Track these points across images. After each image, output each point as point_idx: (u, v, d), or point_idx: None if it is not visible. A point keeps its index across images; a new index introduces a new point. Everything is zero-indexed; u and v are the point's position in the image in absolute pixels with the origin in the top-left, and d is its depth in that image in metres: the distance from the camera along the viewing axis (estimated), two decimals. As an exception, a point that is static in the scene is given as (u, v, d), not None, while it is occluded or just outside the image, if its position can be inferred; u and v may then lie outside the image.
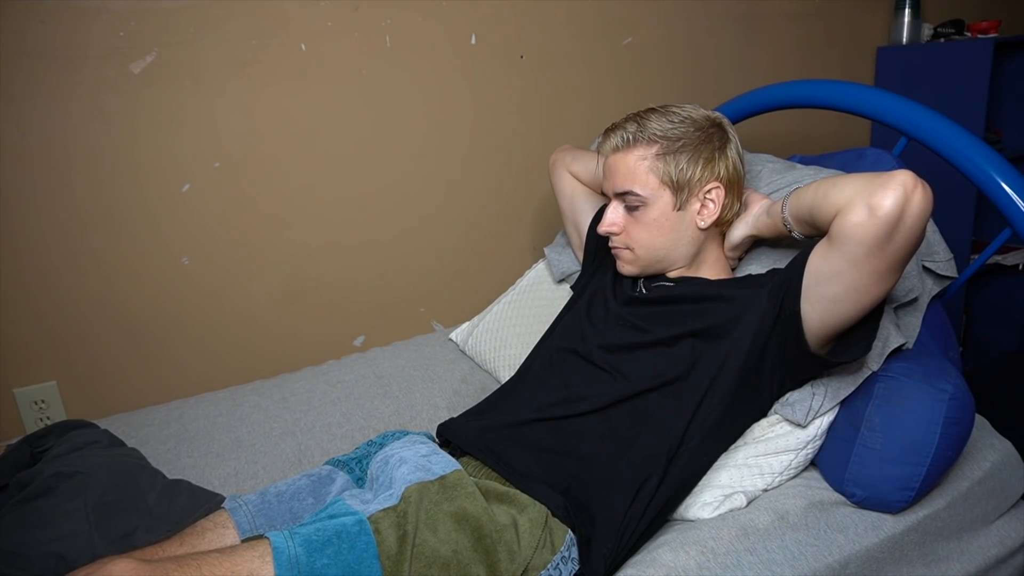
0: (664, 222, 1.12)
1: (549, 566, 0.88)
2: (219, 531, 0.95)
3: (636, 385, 1.03)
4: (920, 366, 1.07)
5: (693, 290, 1.12)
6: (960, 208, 2.08)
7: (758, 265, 1.19)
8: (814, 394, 1.06)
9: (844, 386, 1.08)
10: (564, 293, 1.49)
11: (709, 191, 1.12)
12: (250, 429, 1.35)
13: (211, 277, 1.63)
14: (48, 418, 1.54)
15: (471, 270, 1.89)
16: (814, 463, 1.14)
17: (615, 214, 1.15)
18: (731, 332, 1.02)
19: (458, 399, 1.44)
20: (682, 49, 1.99)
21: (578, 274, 1.43)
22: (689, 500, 1.05)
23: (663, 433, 1.00)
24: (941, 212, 1.29)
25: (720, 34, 2.04)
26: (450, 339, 1.64)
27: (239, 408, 1.41)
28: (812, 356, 0.99)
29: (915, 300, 1.19)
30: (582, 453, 1.01)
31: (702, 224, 1.13)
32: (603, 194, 1.19)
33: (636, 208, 1.12)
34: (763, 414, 1.10)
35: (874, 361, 1.08)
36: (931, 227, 1.25)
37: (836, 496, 1.07)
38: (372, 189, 1.73)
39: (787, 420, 1.08)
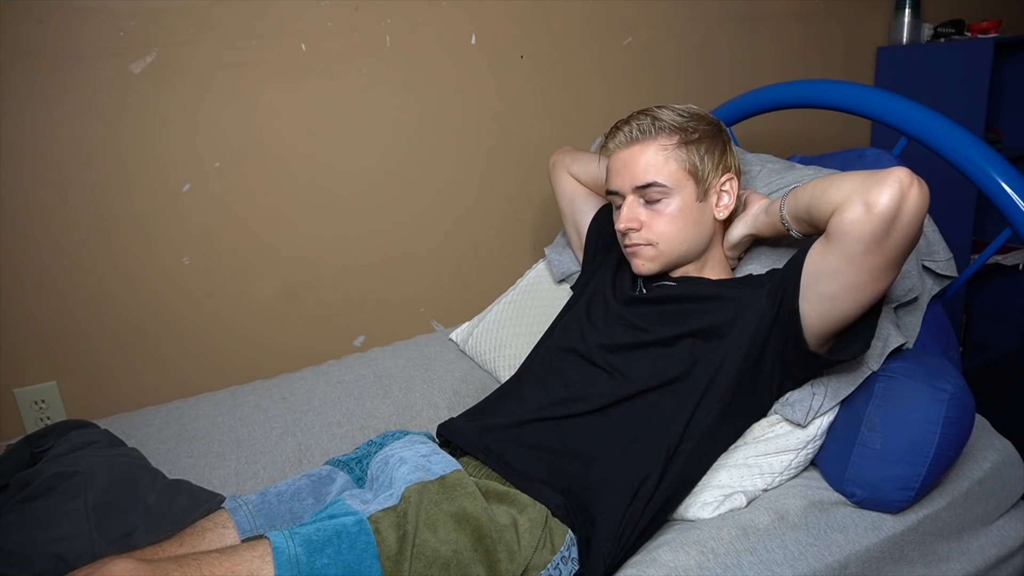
0: (689, 213, 1.11)
1: (549, 566, 0.88)
2: (219, 531, 0.95)
3: (635, 385, 1.03)
4: (920, 366, 1.07)
5: (693, 290, 1.12)
6: (960, 208, 2.08)
7: (758, 265, 1.19)
8: (814, 394, 1.06)
9: (844, 386, 1.08)
10: (564, 293, 1.49)
11: (725, 183, 1.13)
12: (250, 429, 1.35)
13: (211, 277, 1.63)
14: (48, 418, 1.54)
15: (471, 270, 1.89)
16: (814, 463, 1.14)
17: (633, 210, 1.12)
18: (730, 332, 1.02)
19: (458, 399, 1.44)
20: (682, 49, 1.99)
21: (578, 274, 1.43)
22: (689, 500, 1.05)
23: (662, 432, 1.00)
24: (941, 212, 1.29)
25: (720, 34, 2.04)
26: (450, 339, 1.64)
27: (239, 408, 1.41)
28: (811, 355, 0.99)
29: (915, 300, 1.18)
30: (582, 453, 1.01)
31: (720, 216, 1.14)
32: (608, 192, 1.17)
33: (658, 201, 1.10)
34: (763, 414, 1.10)
35: (874, 361, 1.08)
36: (931, 226, 1.25)
37: (836, 496, 1.07)
38: (372, 189, 1.74)
39: (787, 420, 1.08)
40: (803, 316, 0.96)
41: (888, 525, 1.04)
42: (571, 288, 1.46)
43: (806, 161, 1.38)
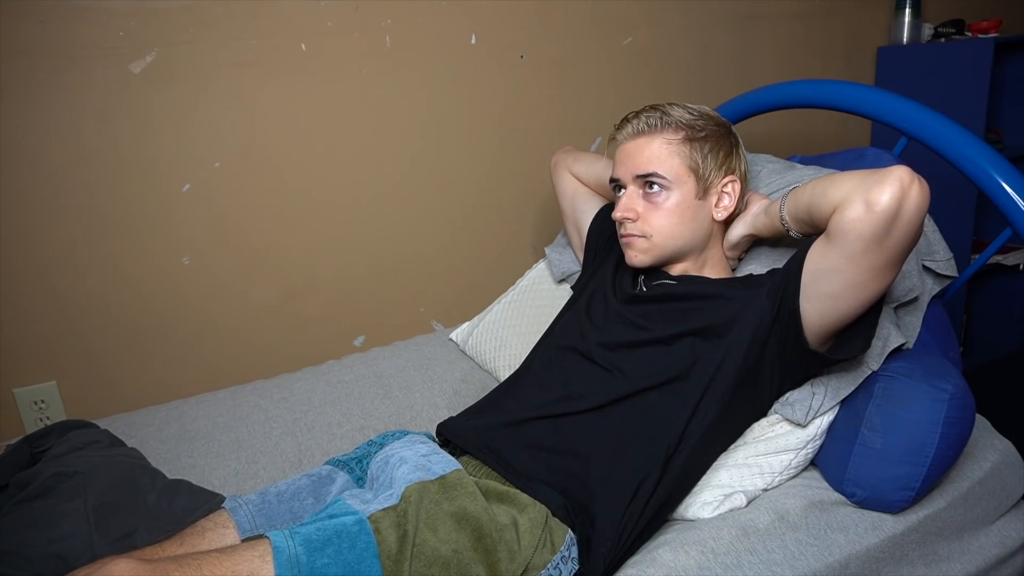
0: (685, 210, 1.12)
1: (549, 566, 0.88)
2: (219, 531, 0.95)
3: (635, 383, 1.03)
4: (920, 366, 1.07)
5: (694, 288, 1.12)
6: (960, 208, 2.08)
7: (758, 265, 1.19)
8: (814, 393, 1.06)
9: (844, 386, 1.08)
10: (564, 293, 1.49)
11: (727, 184, 1.14)
12: (250, 429, 1.35)
13: (211, 277, 1.63)
14: (48, 418, 1.54)
15: (471, 270, 1.89)
16: (814, 463, 1.14)
17: (632, 200, 1.14)
18: (730, 331, 1.02)
19: (458, 399, 1.44)
20: (682, 49, 1.99)
21: (578, 274, 1.43)
22: (689, 500, 1.05)
23: (662, 432, 1.00)
24: (941, 212, 1.29)
25: (720, 34, 2.04)
26: (450, 339, 1.64)
27: (239, 408, 1.41)
28: (812, 354, 0.99)
29: (915, 300, 1.18)
30: (581, 451, 1.01)
31: (719, 216, 1.14)
32: (611, 181, 1.18)
33: (657, 193, 1.12)
34: (763, 413, 1.10)
35: (874, 361, 1.08)
36: (931, 226, 1.25)
37: (836, 496, 1.07)
38: (372, 189, 1.73)
39: (787, 420, 1.08)
40: (803, 315, 0.96)
41: (888, 525, 1.04)
42: (571, 288, 1.46)
43: (806, 161, 1.38)
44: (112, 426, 1.27)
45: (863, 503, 1.06)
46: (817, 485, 1.10)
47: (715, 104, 1.79)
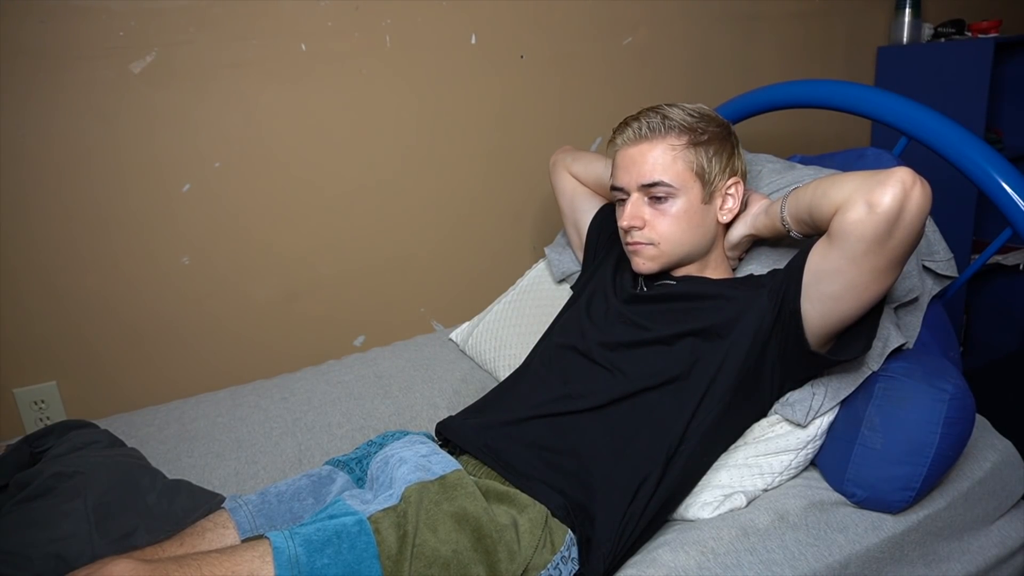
0: (693, 215, 1.10)
1: (549, 566, 0.88)
2: (219, 531, 0.95)
3: (635, 383, 1.03)
4: (920, 366, 1.07)
5: (695, 289, 1.12)
6: (960, 208, 2.08)
7: (758, 265, 1.19)
8: (814, 394, 1.06)
9: (844, 386, 1.08)
10: (564, 293, 1.49)
11: (730, 186, 1.13)
12: (250, 429, 1.35)
13: (211, 277, 1.63)
14: (48, 418, 1.54)
15: (471, 270, 1.89)
16: (814, 463, 1.14)
17: (637, 208, 1.11)
18: (731, 331, 1.02)
19: (458, 399, 1.44)
20: (682, 49, 1.99)
21: (578, 274, 1.43)
22: (689, 500, 1.05)
23: (662, 432, 1.00)
24: (941, 212, 1.29)
25: (720, 34, 2.04)
26: (450, 339, 1.64)
27: (239, 408, 1.41)
28: (812, 355, 0.99)
29: (915, 300, 1.18)
30: (581, 451, 1.01)
31: (724, 219, 1.14)
32: (613, 188, 1.16)
33: (663, 200, 1.09)
34: (763, 414, 1.09)
35: (874, 361, 1.08)
36: (931, 227, 1.25)
37: (836, 496, 1.07)
38: (372, 189, 1.74)
39: (787, 420, 1.08)
40: (804, 316, 0.96)
41: (888, 525, 1.04)
42: (571, 288, 1.46)
43: (806, 161, 1.37)
44: (112, 426, 1.27)
45: (863, 503, 1.06)
46: (817, 485, 1.09)
47: (715, 104, 1.79)
